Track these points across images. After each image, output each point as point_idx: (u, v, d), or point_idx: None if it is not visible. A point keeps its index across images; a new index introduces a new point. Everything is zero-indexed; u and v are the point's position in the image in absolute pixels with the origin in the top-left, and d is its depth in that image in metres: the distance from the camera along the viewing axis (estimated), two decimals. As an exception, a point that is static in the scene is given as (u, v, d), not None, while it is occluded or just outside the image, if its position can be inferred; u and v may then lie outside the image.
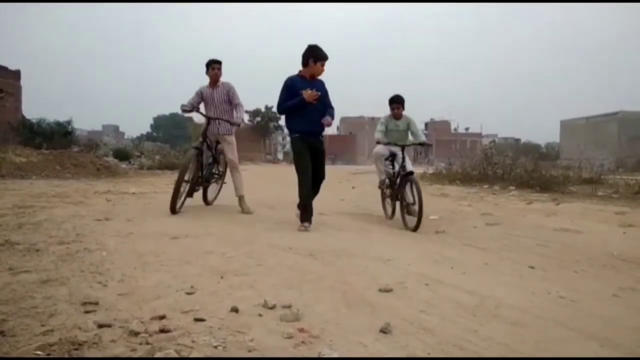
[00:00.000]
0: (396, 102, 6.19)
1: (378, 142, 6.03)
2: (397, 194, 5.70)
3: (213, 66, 6.03)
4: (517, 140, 64.66)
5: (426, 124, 71.42)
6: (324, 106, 5.11)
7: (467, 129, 72.78)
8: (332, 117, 5.14)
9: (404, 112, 6.28)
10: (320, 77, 5.18)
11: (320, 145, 5.22)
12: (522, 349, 1.94)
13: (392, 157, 6.08)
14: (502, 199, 9.66)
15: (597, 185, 10.89)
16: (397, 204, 5.75)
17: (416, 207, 5.12)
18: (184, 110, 5.99)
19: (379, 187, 6.34)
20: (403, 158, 5.82)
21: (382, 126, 6.26)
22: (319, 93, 4.94)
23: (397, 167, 5.90)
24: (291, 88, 5.00)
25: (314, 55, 4.96)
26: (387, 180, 6.06)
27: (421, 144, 6.14)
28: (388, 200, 6.15)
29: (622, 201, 8.81)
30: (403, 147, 5.83)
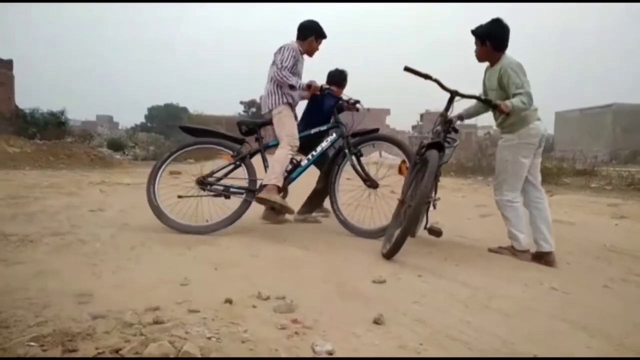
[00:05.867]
0: (475, 34, 3.57)
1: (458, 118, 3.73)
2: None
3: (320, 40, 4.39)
4: (512, 132, 64.64)
5: (421, 115, 71.25)
6: None
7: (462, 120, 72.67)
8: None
9: (506, 53, 3.53)
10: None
11: None
12: (514, 339, 1.96)
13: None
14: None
15: (590, 177, 10.96)
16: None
17: None
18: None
19: None
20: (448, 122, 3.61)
21: None
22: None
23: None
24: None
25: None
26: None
27: (481, 100, 3.55)
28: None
29: (615, 193, 8.87)
30: (452, 97, 3.56)
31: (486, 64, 3.67)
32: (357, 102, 4.39)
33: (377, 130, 4.33)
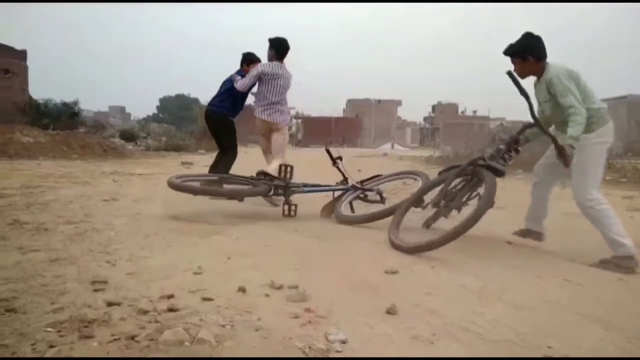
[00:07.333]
0: (511, 53, 3.43)
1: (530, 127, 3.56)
2: None
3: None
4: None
5: (433, 107, 70.78)
6: None
7: (474, 111, 72.07)
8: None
9: (551, 63, 3.39)
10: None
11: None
12: (526, 331, 1.95)
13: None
14: (509, 182, 9.61)
15: (604, 170, 10.84)
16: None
17: None
18: None
19: None
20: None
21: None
22: None
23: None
24: None
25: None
26: None
27: (554, 141, 3.24)
28: None
29: (630, 185, 8.78)
30: (531, 125, 3.53)
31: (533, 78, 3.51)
32: (340, 158, 4.83)
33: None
